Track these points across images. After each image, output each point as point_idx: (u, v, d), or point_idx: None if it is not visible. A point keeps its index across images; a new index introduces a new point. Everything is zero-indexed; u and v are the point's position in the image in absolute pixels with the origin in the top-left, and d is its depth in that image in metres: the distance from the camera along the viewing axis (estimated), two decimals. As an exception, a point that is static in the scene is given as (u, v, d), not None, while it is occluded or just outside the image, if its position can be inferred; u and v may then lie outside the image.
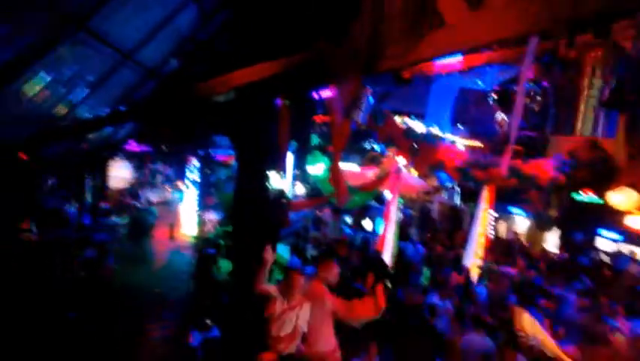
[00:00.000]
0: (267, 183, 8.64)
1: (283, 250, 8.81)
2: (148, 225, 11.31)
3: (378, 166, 11.10)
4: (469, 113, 13.54)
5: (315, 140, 10.41)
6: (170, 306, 7.19)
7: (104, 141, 9.88)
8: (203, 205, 12.13)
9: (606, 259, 9.89)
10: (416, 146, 9.21)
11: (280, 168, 8.65)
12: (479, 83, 11.76)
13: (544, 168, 8.48)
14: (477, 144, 12.89)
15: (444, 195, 13.71)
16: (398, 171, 9.33)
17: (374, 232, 11.62)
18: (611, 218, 9.74)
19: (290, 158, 10.66)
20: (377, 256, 8.34)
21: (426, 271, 8.84)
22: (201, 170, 12.46)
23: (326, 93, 6.44)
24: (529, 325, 2.72)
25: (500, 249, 10.70)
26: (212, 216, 11.94)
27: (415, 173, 12.07)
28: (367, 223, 12.59)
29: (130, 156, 14.09)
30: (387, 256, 8.58)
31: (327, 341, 3.88)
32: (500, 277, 8.40)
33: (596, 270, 8.82)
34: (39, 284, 6.86)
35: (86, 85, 6.50)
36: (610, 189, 8.05)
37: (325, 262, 4.02)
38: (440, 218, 13.51)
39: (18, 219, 8.06)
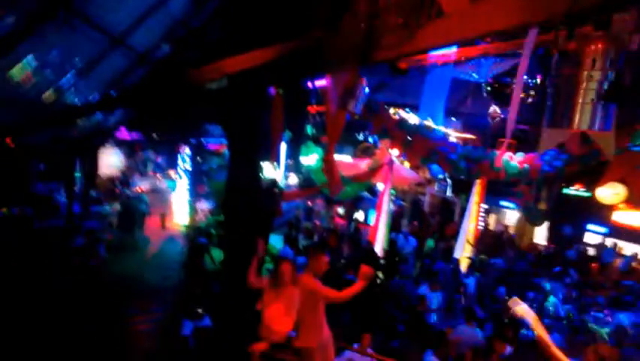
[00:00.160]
0: (259, 173, 8.59)
1: (275, 240, 8.80)
2: (139, 213, 11.20)
3: (371, 157, 11.10)
4: (462, 105, 13.58)
5: (309, 130, 10.34)
6: (162, 295, 7.16)
7: (94, 127, 9.69)
8: (195, 194, 12.04)
9: (593, 252, 10.08)
10: (409, 138, 9.20)
11: (273, 157, 8.59)
12: (474, 75, 11.77)
13: (535, 162, 8.54)
14: (470, 136, 12.96)
15: (435, 187, 13.80)
16: (391, 162, 9.33)
17: (366, 223, 11.67)
18: (599, 212, 9.91)
19: (283, 148, 10.61)
20: (369, 248, 8.38)
21: (417, 263, 8.93)
22: (193, 158, 12.33)
23: (321, 83, 6.36)
24: (527, 314, 2.76)
25: (489, 241, 10.83)
26: (204, 206, 11.86)
27: (407, 165, 12.11)
28: (359, 214, 12.63)
29: (121, 144, 13.87)
30: (379, 248, 8.63)
31: (319, 332, 3.89)
32: (489, 268, 8.51)
33: (583, 263, 8.98)
34: (28, 272, 6.78)
35: (74, 70, 6.34)
36: (599, 183, 8.15)
37: (315, 254, 4.01)
38: (431, 210, 13.60)
39: (6, 206, 7.93)
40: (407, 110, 12.10)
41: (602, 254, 9.74)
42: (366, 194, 12.91)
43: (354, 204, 12.84)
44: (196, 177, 12.29)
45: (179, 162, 13.02)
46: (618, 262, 9.10)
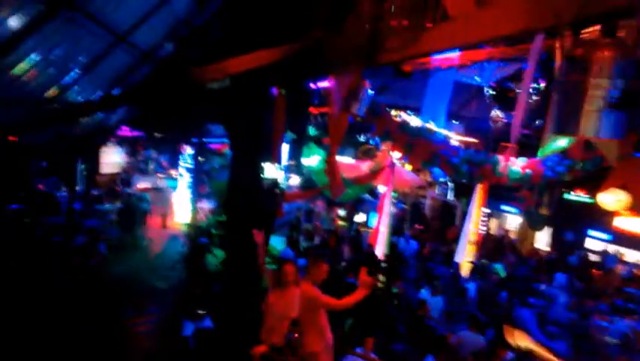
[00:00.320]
0: (260, 173, 8.57)
1: (276, 241, 8.78)
2: (140, 212, 11.18)
3: (373, 159, 11.08)
4: (464, 108, 13.56)
5: (311, 131, 10.33)
6: (162, 295, 7.14)
7: (97, 125, 9.70)
8: (197, 194, 12.02)
9: (595, 258, 10.03)
10: (411, 140, 9.18)
11: (274, 158, 8.58)
12: (477, 79, 11.75)
13: (538, 167, 8.51)
14: (472, 140, 12.93)
15: (437, 191, 13.77)
16: (392, 165, 9.32)
17: (367, 226, 11.64)
18: (600, 218, 9.87)
19: (285, 148, 10.59)
20: (370, 251, 8.36)
21: (417, 266, 8.89)
22: (195, 158, 12.32)
23: (323, 84, 6.36)
24: (522, 341, 2.75)
25: (490, 245, 10.80)
26: (205, 205, 11.84)
27: (408, 167, 12.09)
28: (360, 217, 12.61)
29: (122, 142, 13.87)
30: (380, 250, 8.61)
31: (323, 336, 3.87)
32: (490, 273, 8.48)
33: (584, 269, 8.94)
34: (28, 271, 6.77)
35: (78, 67, 6.34)
36: (601, 189, 8.12)
37: (315, 262, 4.00)
38: (432, 213, 13.57)
39: (8, 204, 7.92)
40: (409, 112, 12.09)
41: (605, 261, 9.69)
42: (367, 196, 12.89)
43: (355, 206, 12.82)
44: (197, 177, 12.27)
45: (181, 161, 13.01)
46: (620, 268, 9.05)
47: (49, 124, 7.12)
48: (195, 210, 11.50)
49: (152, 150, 15.67)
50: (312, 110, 10.71)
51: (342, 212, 12.70)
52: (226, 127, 7.81)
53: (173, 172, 14.60)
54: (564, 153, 8.04)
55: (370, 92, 5.21)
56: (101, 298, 6.39)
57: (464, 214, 10.07)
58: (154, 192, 13.16)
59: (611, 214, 9.36)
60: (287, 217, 10.45)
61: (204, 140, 12.33)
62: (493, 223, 13.19)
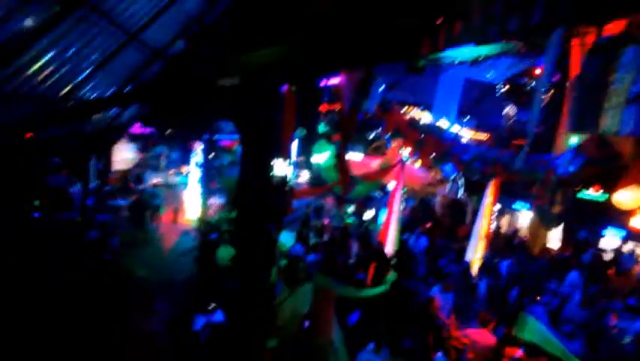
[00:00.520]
0: (270, 170, 8.59)
1: (286, 238, 8.81)
2: (153, 208, 11.34)
3: (383, 156, 11.04)
4: (476, 105, 13.41)
5: (321, 128, 10.33)
6: (174, 290, 7.22)
7: (109, 122, 9.83)
8: (207, 190, 12.13)
9: (609, 257, 9.86)
10: (421, 137, 9.12)
11: (284, 155, 8.59)
12: (487, 75, 11.60)
13: (551, 165, 8.38)
14: (483, 136, 12.79)
15: (447, 188, 13.66)
16: (402, 162, 9.27)
17: (376, 223, 11.61)
18: (615, 216, 9.67)
19: (295, 145, 10.61)
20: (379, 247, 8.34)
21: (427, 263, 8.85)
22: (205, 154, 12.42)
23: (334, 81, 6.34)
24: (530, 331, 2.72)
25: (501, 243, 10.68)
26: (216, 201, 11.94)
27: (418, 164, 12.01)
28: (370, 213, 12.58)
29: (134, 139, 14.05)
30: (390, 247, 8.58)
31: (328, 329, 3.89)
32: (500, 271, 8.39)
33: (598, 268, 8.79)
34: (42, 266, 6.90)
35: (91, 65, 6.42)
36: (617, 187, 7.96)
37: (328, 257, 4.02)
38: (443, 211, 13.46)
39: (23, 199, 8.08)
40: (420, 109, 11.99)
41: (621, 260, 9.51)
42: (377, 193, 12.85)
43: (365, 203, 12.79)
44: (208, 173, 12.37)
45: (192, 157, 13.13)
46: (636, 267, 8.88)
47: (63, 121, 7.24)
48: (206, 206, 11.60)
49: (163, 146, 15.84)
50: (323, 107, 10.70)
51: (351, 209, 12.69)
52: (236, 124, 7.84)
53: (184, 168, 14.74)
54: (578, 150, 7.90)
55: (380, 88, 5.18)
56: (113, 293, 6.49)
57: (475, 212, 9.97)
58: (165, 188, 13.31)
59: (627, 213, 9.17)
60: (296, 214, 10.47)
61: (215, 137, 12.42)
62: (505, 221, 13.05)
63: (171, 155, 16.10)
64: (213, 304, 5.88)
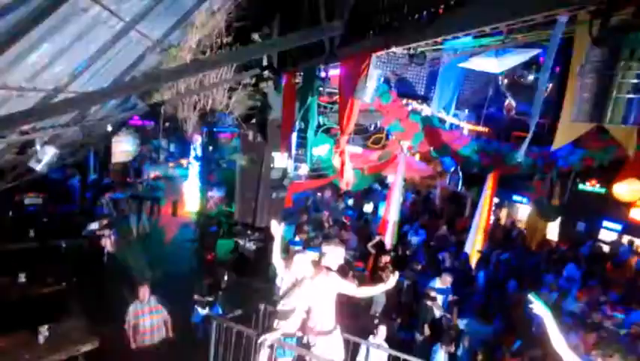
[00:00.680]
0: (270, 163, 8.58)
1: (285, 230, 8.81)
2: (152, 200, 11.34)
3: (382, 149, 11.01)
4: (476, 97, 13.34)
5: (321, 120, 10.27)
6: (173, 283, 7.24)
7: (108, 115, 9.77)
8: (206, 183, 12.12)
9: (607, 250, 9.89)
10: (421, 129, 9.08)
11: (284, 147, 8.58)
12: (488, 67, 11.49)
13: (550, 157, 8.37)
14: (483, 129, 12.75)
15: (447, 180, 13.65)
16: (402, 154, 9.25)
17: (376, 215, 11.62)
18: (615, 209, 9.69)
19: (294, 137, 10.56)
20: (378, 240, 8.36)
21: (426, 255, 8.87)
22: (204, 147, 12.37)
23: (334, 73, 6.30)
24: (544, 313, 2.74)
25: (500, 235, 10.71)
26: (215, 194, 11.93)
27: (418, 157, 11.99)
28: (369, 206, 12.59)
29: (133, 131, 14.00)
30: (389, 240, 8.61)
31: (329, 321, 3.90)
32: (499, 263, 8.43)
33: (596, 261, 8.82)
34: (42, 257, 6.91)
35: (89, 56, 6.35)
36: (617, 179, 7.96)
37: (331, 245, 4.01)
38: (442, 203, 13.48)
39: (21, 191, 8.07)
40: (420, 101, 11.94)
41: (618, 251, 9.55)
42: (376, 186, 12.84)
43: (364, 195, 12.79)
44: (207, 166, 12.35)
45: (191, 150, 13.10)
46: (634, 260, 8.92)
47: (61, 113, 7.19)
48: (205, 199, 11.60)
49: (162, 139, 15.78)
50: (322, 99, 10.63)
51: (351, 201, 12.69)
52: (236, 116, 7.82)
53: (183, 161, 14.72)
54: (577, 143, 7.88)
55: (380, 80, 5.14)
56: (111, 285, 6.52)
57: (474, 205, 9.98)
58: (165, 181, 13.31)
59: (626, 205, 9.18)
60: (296, 206, 10.48)
61: (214, 129, 12.36)
62: (504, 213, 13.07)
63: (171, 147, 16.06)
64: (211, 298, 5.90)
